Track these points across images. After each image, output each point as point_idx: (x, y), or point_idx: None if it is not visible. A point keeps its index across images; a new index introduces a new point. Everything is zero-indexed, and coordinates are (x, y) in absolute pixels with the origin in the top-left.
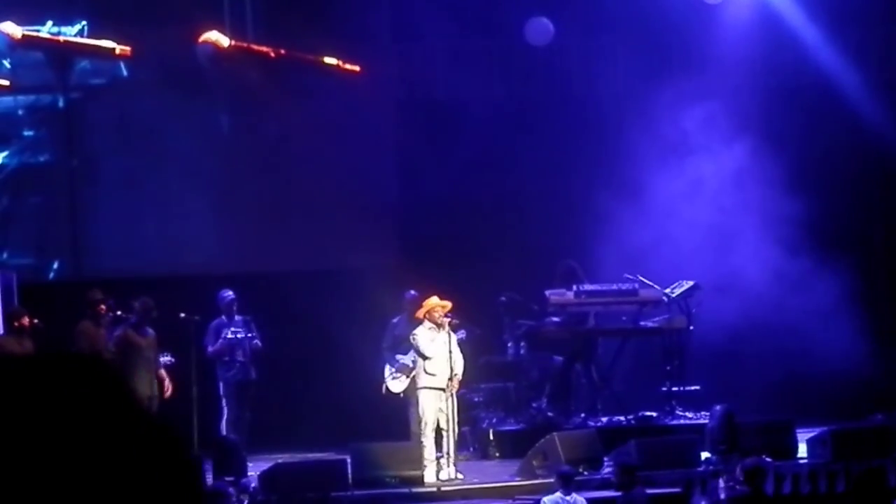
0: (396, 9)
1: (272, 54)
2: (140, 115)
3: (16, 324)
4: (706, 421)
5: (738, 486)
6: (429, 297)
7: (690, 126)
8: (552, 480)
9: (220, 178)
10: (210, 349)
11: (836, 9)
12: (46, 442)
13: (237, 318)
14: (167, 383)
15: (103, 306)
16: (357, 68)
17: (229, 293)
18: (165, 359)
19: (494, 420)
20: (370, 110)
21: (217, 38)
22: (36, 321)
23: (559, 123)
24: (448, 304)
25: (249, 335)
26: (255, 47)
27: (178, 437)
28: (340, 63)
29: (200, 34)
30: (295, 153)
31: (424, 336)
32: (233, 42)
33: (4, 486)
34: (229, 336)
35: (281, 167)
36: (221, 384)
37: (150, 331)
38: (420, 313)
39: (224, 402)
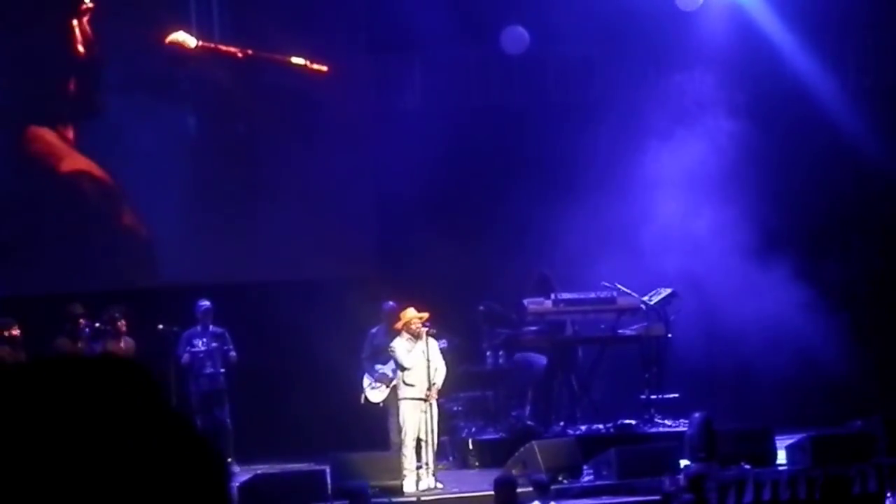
0: (372, 17)
1: (239, 55)
2: (106, 116)
3: (5, 334)
4: (685, 428)
5: (684, 494)
6: (407, 307)
7: (666, 133)
8: (531, 489)
9: (189, 181)
10: (181, 359)
11: (811, 16)
12: (79, 447)
13: (211, 328)
14: None
15: (82, 321)
16: (325, 68)
17: (205, 303)
18: None
19: (474, 429)
20: (346, 119)
21: (184, 38)
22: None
23: (536, 131)
24: (425, 315)
25: (225, 347)
26: (223, 48)
27: (212, 445)
28: (308, 63)
29: (167, 35)
30: (266, 158)
31: (402, 347)
32: (200, 43)
33: (35, 489)
34: (198, 348)
35: (255, 173)
36: (192, 395)
37: (130, 339)
38: (398, 326)
39: (196, 413)
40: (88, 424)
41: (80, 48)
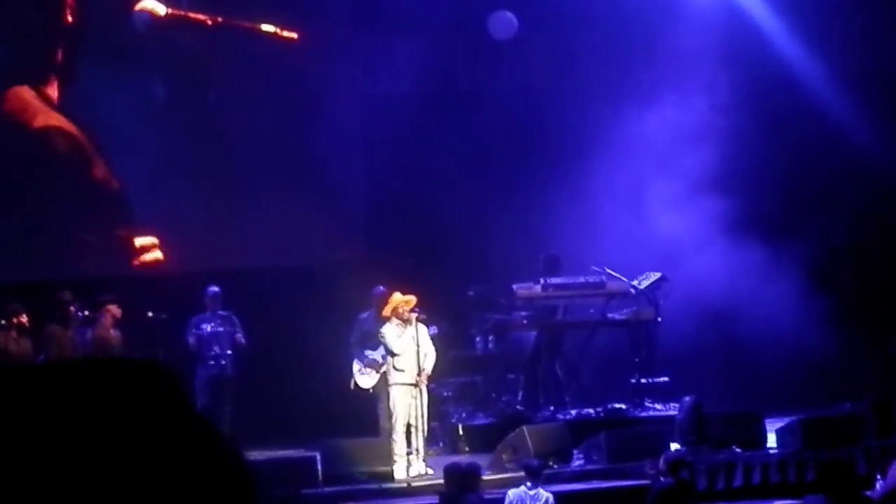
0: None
1: (209, 22)
2: (79, 84)
3: (14, 320)
4: (675, 412)
5: (662, 478)
6: (394, 292)
7: (654, 118)
8: (522, 474)
9: (162, 156)
10: (188, 342)
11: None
12: (98, 449)
13: (220, 312)
14: None
15: (72, 308)
16: (295, 35)
17: (214, 288)
18: None
19: (464, 414)
20: (331, 97)
21: (153, 6)
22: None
23: (524, 117)
24: (413, 299)
25: (231, 330)
26: (192, 15)
27: (236, 448)
28: (278, 31)
29: (137, 2)
30: (242, 134)
31: (391, 333)
32: (169, 10)
33: (57, 490)
34: (205, 331)
35: (231, 150)
36: (196, 380)
37: (118, 332)
38: (386, 311)
39: (197, 398)
40: (111, 427)
41: (69, 17)
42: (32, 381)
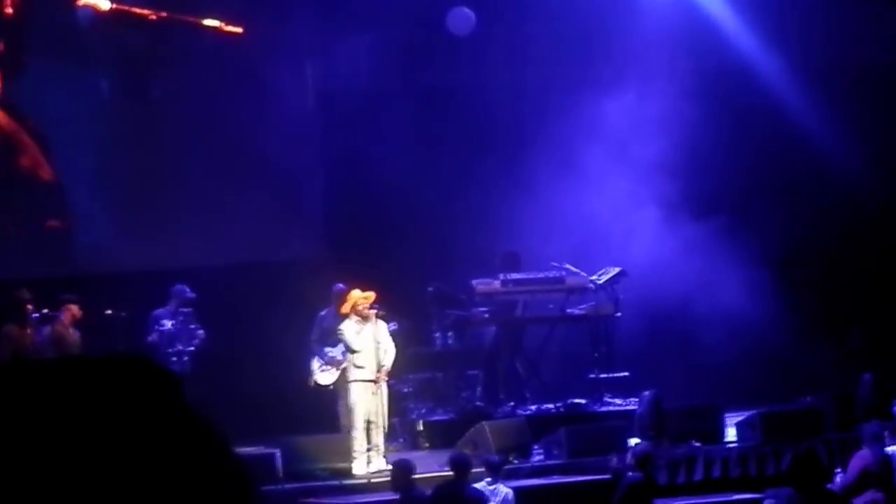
0: None
1: (153, 17)
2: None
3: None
4: (635, 407)
5: (630, 472)
6: (353, 289)
7: (612, 113)
8: (482, 469)
9: (109, 153)
10: (149, 338)
11: None
12: (93, 445)
13: (182, 309)
14: None
15: (30, 306)
16: (239, 30)
17: (181, 285)
18: None
19: (424, 410)
20: (289, 99)
21: (97, 0)
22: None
23: (483, 113)
24: (371, 295)
25: (192, 326)
26: (136, 10)
27: (229, 444)
28: (222, 25)
29: None
30: (194, 129)
31: (351, 330)
32: (113, 5)
33: (50, 487)
34: (167, 328)
35: (182, 146)
36: None
37: (77, 332)
38: (345, 308)
39: None
40: (108, 423)
41: (9, 9)
42: (32, 377)
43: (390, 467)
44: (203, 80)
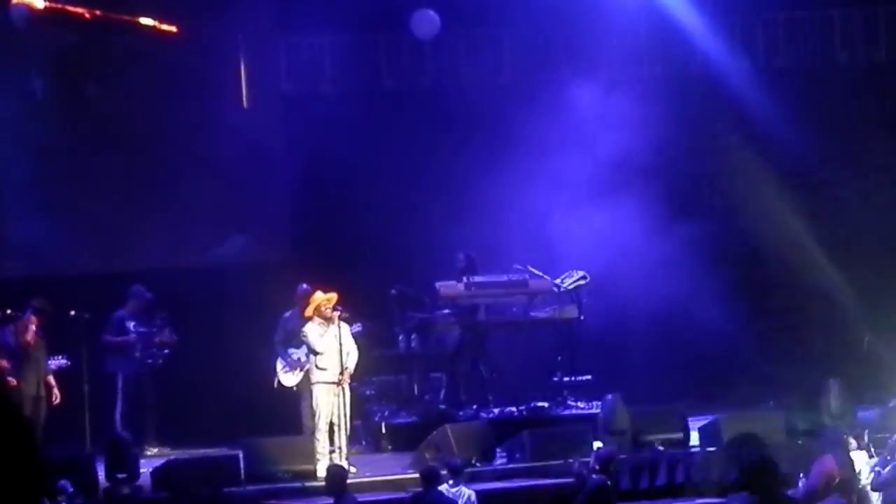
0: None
1: (87, 16)
2: None
3: None
4: (598, 411)
5: (594, 475)
6: (316, 290)
7: (575, 115)
8: (445, 472)
9: (46, 154)
10: (110, 339)
11: None
12: None
13: (148, 312)
14: (55, 391)
15: None
16: (174, 29)
17: (140, 287)
18: (60, 361)
19: (387, 413)
20: (258, 104)
21: None
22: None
23: (446, 115)
24: (334, 297)
25: (155, 329)
26: (70, 9)
27: (11, 401)
28: (157, 24)
29: None
30: (144, 132)
31: (314, 332)
32: (47, 3)
33: None
34: (131, 331)
35: (130, 148)
36: (120, 378)
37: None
38: (308, 310)
39: (120, 396)
40: None
41: None
42: None
43: (353, 470)
44: (141, 80)
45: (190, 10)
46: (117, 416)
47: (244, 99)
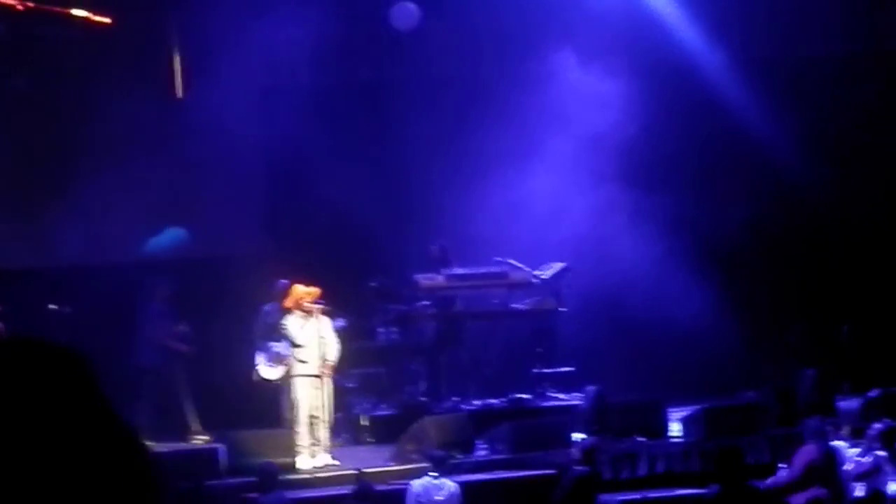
0: None
1: (19, 7)
2: None
3: None
4: (578, 402)
5: (577, 466)
6: (299, 284)
7: (555, 105)
8: (426, 464)
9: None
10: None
11: None
12: (6, 433)
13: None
14: None
15: None
16: (108, 20)
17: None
18: None
19: (367, 405)
20: (238, 97)
21: None
22: None
23: (424, 106)
24: (314, 290)
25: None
26: (1, 0)
27: (139, 437)
28: (90, 15)
29: None
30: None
31: (294, 324)
32: None
33: None
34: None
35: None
36: (156, 373)
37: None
38: (288, 303)
39: (152, 391)
40: (20, 411)
41: None
42: None
43: (335, 463)
44: (73, 72)
45: (123, 1)
46: (146, 411)
47: (178, 89)
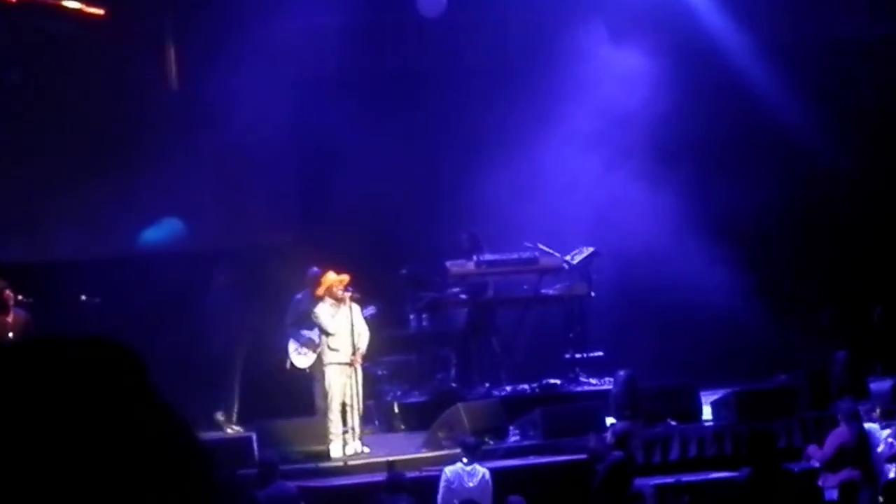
0: None
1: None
2: None
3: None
4: (610, 387)
5: (613, 451)
6: (328, 272)
7: (582, 91)
8: (458, 451)
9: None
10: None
11: None
12: (58, 430)
13: None
14: None
15: (8, 291)
16: (101, 12)
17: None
18: None
19: (399, 393)
20: (268, 88)
21: None
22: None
23: (454, 93)
24: (346, 278)
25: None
26: None
27: (195, 433)
28: (83, 7)
29: None
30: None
31: (325, 312)
32: None
33: (11, 477)
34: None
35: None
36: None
37: (21, 311)
38: (319, 291)
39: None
40: (71, 407)
41: None
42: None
43: (367, 450)
44: (67, 65)
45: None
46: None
47: (173, 81)
